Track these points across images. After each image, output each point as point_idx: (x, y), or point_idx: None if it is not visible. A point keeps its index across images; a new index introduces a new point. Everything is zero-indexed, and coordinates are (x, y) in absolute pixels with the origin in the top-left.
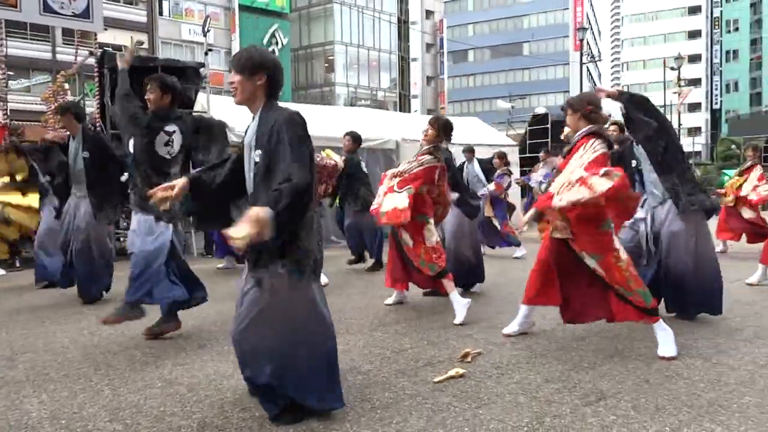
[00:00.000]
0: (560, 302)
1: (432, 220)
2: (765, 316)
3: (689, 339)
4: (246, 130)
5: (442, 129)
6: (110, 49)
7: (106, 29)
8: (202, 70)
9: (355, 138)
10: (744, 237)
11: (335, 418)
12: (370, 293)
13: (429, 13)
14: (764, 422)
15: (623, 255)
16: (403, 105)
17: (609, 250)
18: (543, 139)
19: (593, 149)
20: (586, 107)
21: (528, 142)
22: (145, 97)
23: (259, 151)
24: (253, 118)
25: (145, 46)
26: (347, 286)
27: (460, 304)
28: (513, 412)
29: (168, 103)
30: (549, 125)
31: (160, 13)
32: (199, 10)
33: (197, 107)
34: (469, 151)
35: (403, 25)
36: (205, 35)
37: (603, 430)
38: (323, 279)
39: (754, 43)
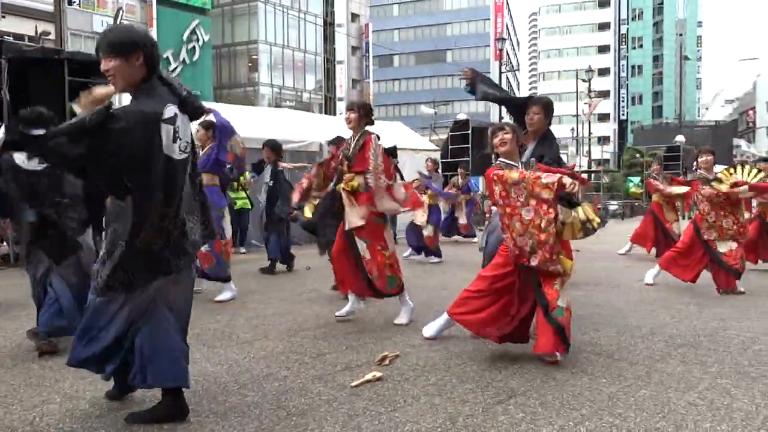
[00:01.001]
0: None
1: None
2: (661, 314)
3: (594, 337)
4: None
5: (368, 112)
6: (10, 38)
7: (4, 16)
8: None
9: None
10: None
11: (248, 428)
12: (290, 298)
13: (354, 17)
14: (657, 413)
15: None
16: (329, 107)
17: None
18: (464, 144)
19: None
20: None
21: (450, 147)
22: None
23: None
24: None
25: (52, 37)
26: (268, 291)
27: (409, 307)
28: (428, 413)
29: None
30: (470, 131)
31: (69, 2)
32: (112, 0)
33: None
34: (433, 162)
35: (328, 27)
36: None
37: (512, 427)
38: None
39: (656, 59)
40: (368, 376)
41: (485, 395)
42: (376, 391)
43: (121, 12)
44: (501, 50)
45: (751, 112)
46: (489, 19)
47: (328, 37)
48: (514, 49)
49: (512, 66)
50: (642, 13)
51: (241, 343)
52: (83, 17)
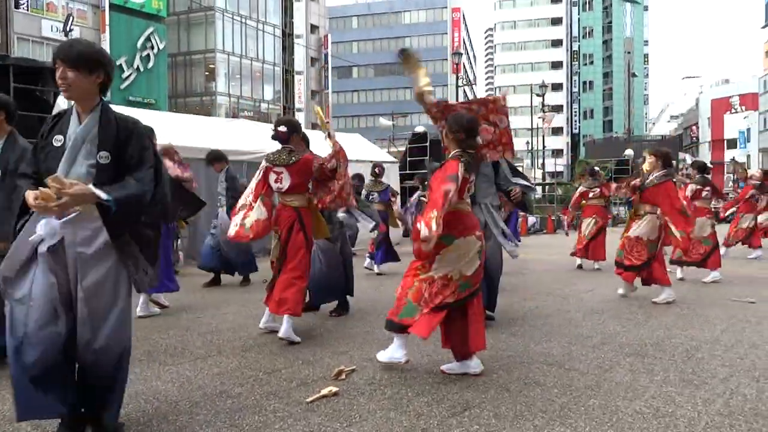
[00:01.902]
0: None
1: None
2: (610, 324)
3: (546, 347)
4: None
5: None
6: None
7: None
8: None
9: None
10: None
11: None
12: (245, 312)
13: (314, 28)
14: (606, 422)
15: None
16: None
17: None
18: (422, 156)
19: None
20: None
21: (408, 159)
22: None
23: (105, 153)
24: (81, 114)
25: None
26: (222, 305)
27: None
28: (383, 428)
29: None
30: (428, 144)
31: (17, 6)
32: (62, 5)
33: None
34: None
35: (287, 38)
36: (66, 35)
37: None
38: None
39: (606, 75)
40: (324, 392)
41: (440, 408)
42: (332, 406)
43: (71, 18)
44: (458, 64)
45: (694, 127)
46: (446, 33)
47: (287, 48)
48: (471, 64)
49: (469, 80)
50: (592, 31)
51: (194, 359)
52: (32, 21)
